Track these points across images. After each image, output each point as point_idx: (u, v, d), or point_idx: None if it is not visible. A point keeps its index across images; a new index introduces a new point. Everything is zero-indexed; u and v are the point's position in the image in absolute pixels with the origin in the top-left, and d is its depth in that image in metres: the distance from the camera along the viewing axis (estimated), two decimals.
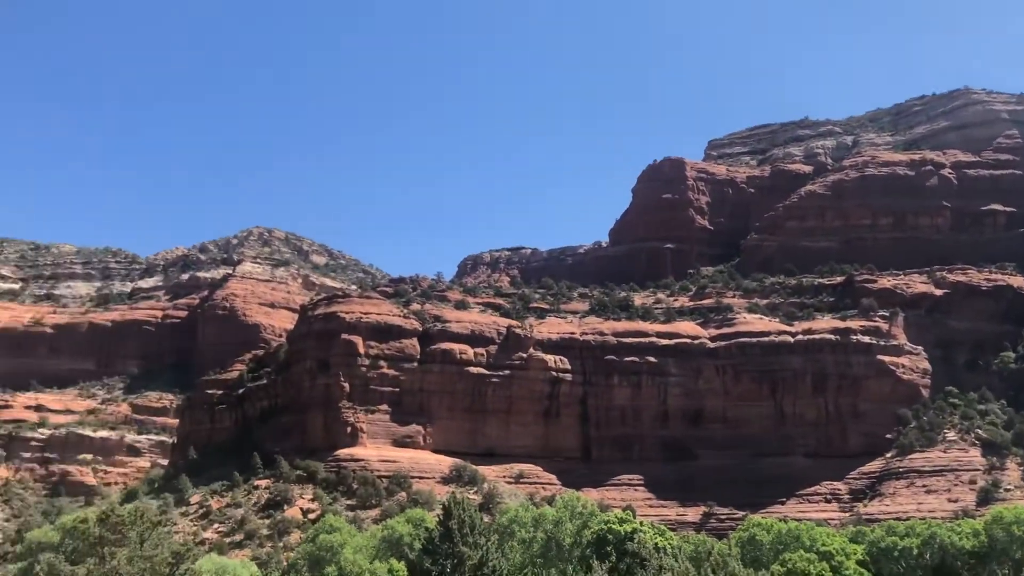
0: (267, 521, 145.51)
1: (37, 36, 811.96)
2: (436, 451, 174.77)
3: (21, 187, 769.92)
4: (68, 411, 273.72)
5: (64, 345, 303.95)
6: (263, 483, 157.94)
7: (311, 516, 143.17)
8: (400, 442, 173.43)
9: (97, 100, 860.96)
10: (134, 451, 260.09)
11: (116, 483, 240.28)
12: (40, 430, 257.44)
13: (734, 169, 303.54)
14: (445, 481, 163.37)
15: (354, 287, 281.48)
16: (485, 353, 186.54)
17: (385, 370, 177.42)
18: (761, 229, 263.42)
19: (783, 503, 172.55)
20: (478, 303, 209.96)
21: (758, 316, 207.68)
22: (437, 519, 73.65)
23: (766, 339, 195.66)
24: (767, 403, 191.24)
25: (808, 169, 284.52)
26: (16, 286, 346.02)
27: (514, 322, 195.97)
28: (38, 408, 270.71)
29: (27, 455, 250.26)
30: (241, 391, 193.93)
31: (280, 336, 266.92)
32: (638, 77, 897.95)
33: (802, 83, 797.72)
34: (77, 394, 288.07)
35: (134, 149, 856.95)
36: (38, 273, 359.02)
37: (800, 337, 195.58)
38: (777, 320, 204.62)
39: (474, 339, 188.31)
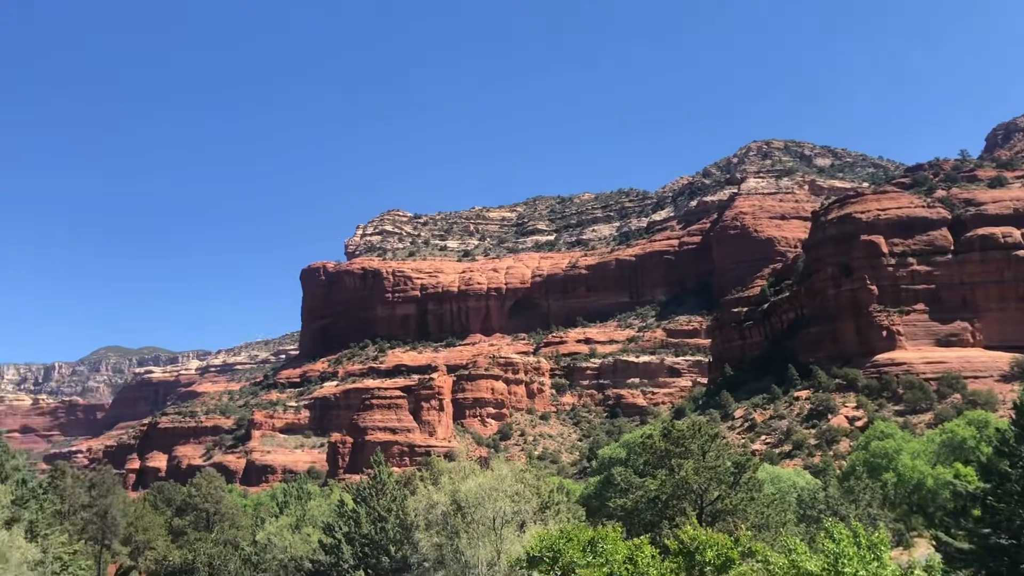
0: (812, 431, 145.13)
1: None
2: (988, 348, 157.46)
3: (550, 151, 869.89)
4: (611, 341, 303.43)
5: (598, 283, 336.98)
6: (802, 394, 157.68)
7: (857, 424, 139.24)
8: (944, 341, 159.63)
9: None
10: (674, 372, 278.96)
11: (663, 403, 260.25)
12: (592, 360, 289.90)
13: None
14: (1005, 379, 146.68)
15: (866, 184, 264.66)
16: None
17: (915, 267, 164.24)
18: None
19: None
20: (1018, 177, 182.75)
21: None
22: (1009, 419, 65.94)
23: None
24: None
25: None
26: (551, 237, 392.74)
27: None
28: (587, 341, 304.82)
29: (585, 382, 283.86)
30: (765, 306, 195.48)
31: (794, 247, 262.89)
32: None
33: None
34: (616, 325, 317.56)
35: (625, 90, 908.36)
36: (566, 223, 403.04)
37: None
38: None
39: (1020, 219, 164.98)
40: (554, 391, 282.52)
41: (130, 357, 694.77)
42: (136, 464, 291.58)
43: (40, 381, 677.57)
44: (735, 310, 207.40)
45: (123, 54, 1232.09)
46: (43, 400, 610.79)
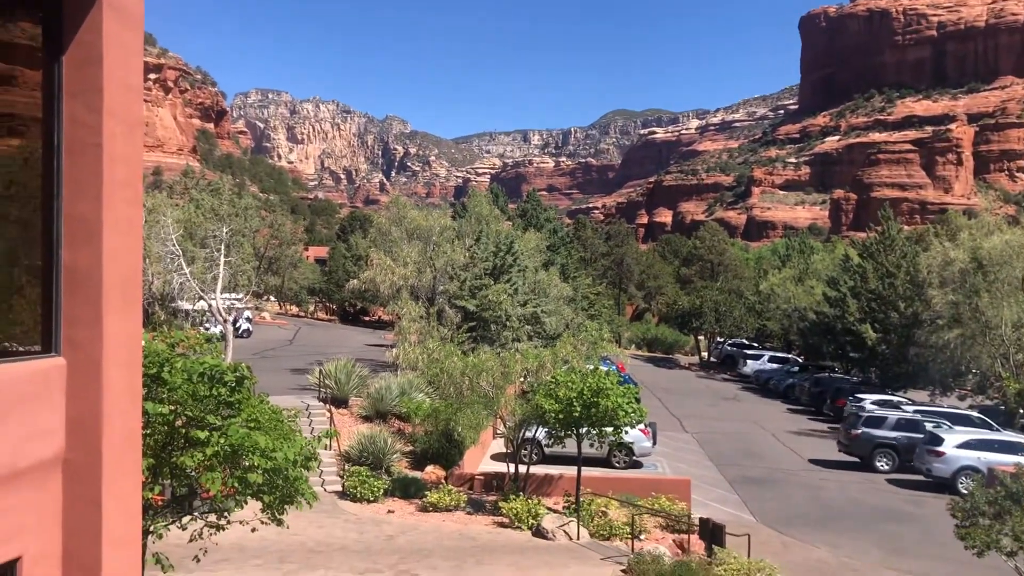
0: None
1: None
2: None
3: None
4: None
5: None
6: None
7: None
8: None
9: None
10: None
11: None
12: None
13: None
14: None
15: None
16: None
17: None
18: None
19: None
20: None
21: None
22: None
23: None
24: None
25: None
26: None
27: None
28: None
29: None
30: None
31: None
32: None
33: None
34: None
35: None
36: None
37: None
38: None
39: None
40: None
41: (635, 119, 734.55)
42: (644, 219, 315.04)
43: (560, 145, 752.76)
44: None
45: None
46: (563, 162, 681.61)
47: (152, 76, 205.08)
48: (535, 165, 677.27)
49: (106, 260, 6.40)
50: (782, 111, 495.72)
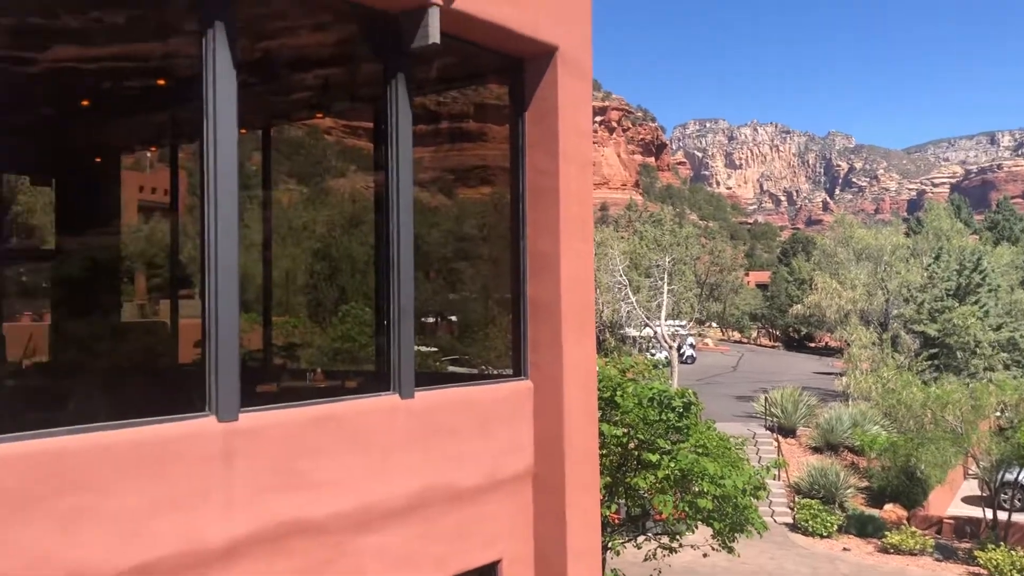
0: None
1: None
2: None
3: None
4: None
5: None
6: None
7: None
8: None
9: None
10: None
11: None
12: None
13: None
14: None
15: None
16: None
17: None
18: None
19: None
20: None
21: None
22: None
23: None
24: None
25: None
26: None
27: None
28: None
29: None
30: None
31: None
32: None
33: None
34: None
35: None
36: None
37: None
38: None
39: None
40: None
41: None
42: None
43: None
44: None
45: None
46: None
47: (598, 119, 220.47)
48: (1006, 169, 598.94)
49: (563, 291, 6.98)
50: None
